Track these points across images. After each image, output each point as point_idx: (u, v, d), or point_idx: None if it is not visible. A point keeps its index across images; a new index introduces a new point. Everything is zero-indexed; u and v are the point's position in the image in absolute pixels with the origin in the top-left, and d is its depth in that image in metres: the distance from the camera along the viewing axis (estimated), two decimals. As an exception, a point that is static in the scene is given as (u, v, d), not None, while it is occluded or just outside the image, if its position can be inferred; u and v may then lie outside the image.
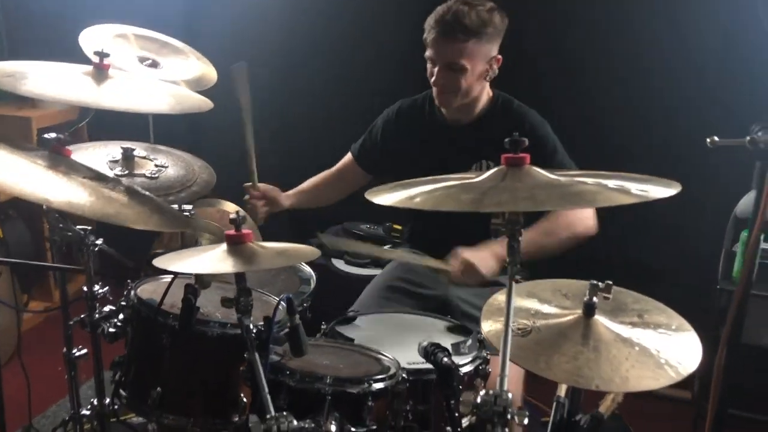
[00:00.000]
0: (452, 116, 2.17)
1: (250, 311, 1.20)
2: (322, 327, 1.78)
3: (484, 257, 1.93)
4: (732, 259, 2.49)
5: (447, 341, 1.76)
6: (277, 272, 2.05)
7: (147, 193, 1.68)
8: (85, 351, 2.08)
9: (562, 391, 1.59)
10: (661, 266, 2.91)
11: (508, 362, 1.06)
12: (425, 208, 1.13)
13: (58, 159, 1.50)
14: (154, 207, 1.57)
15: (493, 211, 2.15)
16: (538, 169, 1.20)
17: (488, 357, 1.70)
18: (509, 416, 1.02)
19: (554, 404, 1.53)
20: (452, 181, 1.26)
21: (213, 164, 2.31)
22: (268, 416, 1.09)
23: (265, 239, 1.96)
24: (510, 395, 1.04)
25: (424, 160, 2.18)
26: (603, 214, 2.88)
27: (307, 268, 2.07)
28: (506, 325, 1.08)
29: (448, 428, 1.61)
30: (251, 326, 1.20)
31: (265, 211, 2.31)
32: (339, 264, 2.93)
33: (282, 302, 1.29)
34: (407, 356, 1.59)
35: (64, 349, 2.09)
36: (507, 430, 1.85)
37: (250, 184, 2.30)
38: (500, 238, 2.09)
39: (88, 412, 2.12)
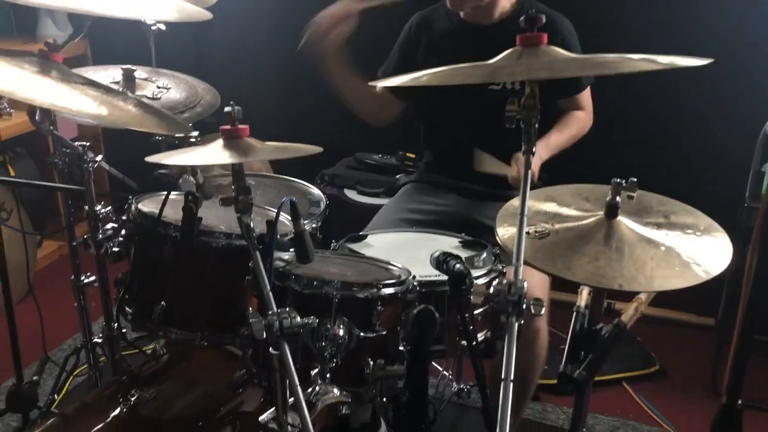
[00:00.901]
0: (471, 19, 2.07)
1: (249, 210, 1.13)
2: (332, 245, 1.72)
3: (537, 163, 1.92)
4: (761, 179, 2.38)
5: (461, 254, 1.70)
6: (286, 194, 1.98)
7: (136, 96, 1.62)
8: (93, 278, 2.06)
9: (582, 300, 1.52)
10: (688, 184, 2.79)
11: (522, 250, 0.99)
12: (434, 83, 1.05)
13: (48, 64, 1.42)
14: (156, 112, 1.50)
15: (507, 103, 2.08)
16: (558, 49, 1.10)
17: (504, 270, 1.63)
18: (524, 306, 0.95)
19: (574, 314, 1.46)
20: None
21: (218, 90, 2.24)
22: (269, 312, 1.04)
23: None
24: (525, 284, 0.97)
25: (443, 64, 2.07)
26: (632, 128, 2.81)
27: (317, 191, 2.00)
28: (522, 202, 1.00)
29: (463, 342, 1.56)
30: (251, 225, 1.14)
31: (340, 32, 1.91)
32: (351, 194, 2.86)
33: (285, 206, 1.21)
34: (419, 271, 1.53)
35: (72, 277, 2.07)
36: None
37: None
38: (543, 140, 2.02)
39: (100, 340, 2.12)
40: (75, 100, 1.34)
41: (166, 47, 2.48)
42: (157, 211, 1.49)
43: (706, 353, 2.63)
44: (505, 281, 0.97)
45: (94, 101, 1.38)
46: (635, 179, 1.32)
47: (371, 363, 1.27)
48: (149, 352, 1.85)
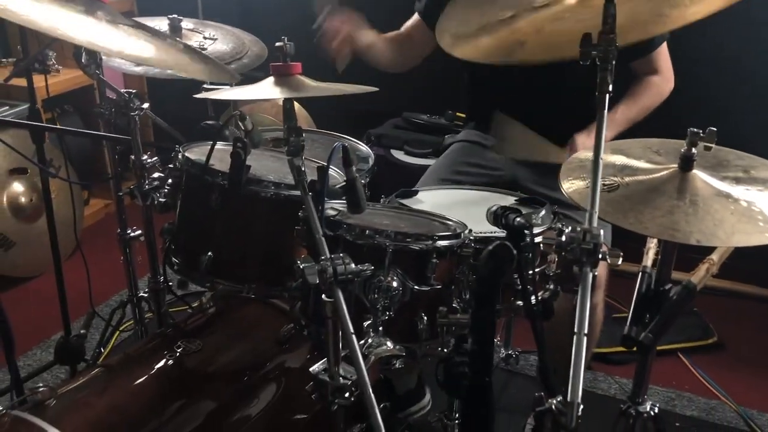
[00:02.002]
0: None
1: (301, 152, 1.08)
2: (382, 199, 1.65)
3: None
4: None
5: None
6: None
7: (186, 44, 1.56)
8: (139, 232, 2.04)
9: (648, 260, 1.44)
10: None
11: (598, 196, 0.91)
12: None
13: (93, 4, 1.37)
14: (202, 59, 1.45)
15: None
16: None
17: (564, 228, 1.54)
18: (600, 255, 0.87)
19: (640, 274, 1.38)
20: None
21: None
22: (322, 257, 0.98)
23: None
24: (602, 231, 0.89)
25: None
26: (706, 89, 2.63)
27: (365, 147, 1.93)
28: (595, 157, 0.92)
29: (519, 302, 1.49)
30: (303, 168, 1.08)
31: (343, 50, 1.88)
32: (398, 154, 2.79)
33: (335, 151, 1.15)
34: (475, 226, 1.46)
35: (118, 230, 2.06)
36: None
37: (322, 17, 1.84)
38: (623, 104, 1.90)
39: (146, 295, 2.11)
40: (120, 42, 1.29)
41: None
42: (203, 159, 1.44)
43: (766, 326, 2.50)
44: (579, 228, 0.89)
45: (140, 43, 1.33)
46: (714, 128, 1.22)
47: (424, 317, 1.21)
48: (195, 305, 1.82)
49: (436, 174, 2.05)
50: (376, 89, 1.13)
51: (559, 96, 2.00)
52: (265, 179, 1.40)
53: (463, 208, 1.67)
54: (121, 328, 2.34)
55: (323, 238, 1.01)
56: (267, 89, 1.07)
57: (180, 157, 1.49)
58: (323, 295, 0.98)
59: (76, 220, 2.23)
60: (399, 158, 2.77)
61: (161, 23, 2.06)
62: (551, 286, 1.53)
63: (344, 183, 1.20)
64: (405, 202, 1.66)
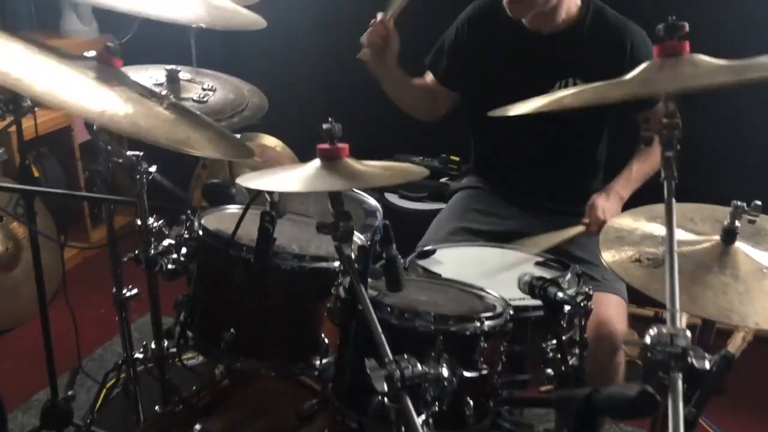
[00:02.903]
0: (532, 25, 1.91)
1: (350, 238, 1.02)
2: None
3: (616, 210, 1.81)
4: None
5: (542, 275, 1.58)
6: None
7: (204, 116, 1.49)
8: (135, 291, 1.94)
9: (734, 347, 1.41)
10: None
11: (678, 293, 0.87)
12: (577, 105, 0.93)
13: (108, 72, 1.30)
14: (217, 132, 1.38)
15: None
16: (702, 56, 0.98)
17: (590, 292, 1.52)
18: (688, 359, 0.84)
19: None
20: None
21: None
22: (386, 359, 0.92)
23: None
24: (689, 333, 0.85)
25: (502, 74, 1.95)
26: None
27: (372, 200, 1.88)
28: (670, 249, 0.89)
29: (548, 370, 1.45)
30: (352, 255, 1.02)
31: (380, 48, 1.89)
32: (392, 198, 2.74)
33: (378, 231, 1.10)
34: (501, 291, 1.42)
35: (114, 290, 1.95)
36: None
37: (386, 14, 1.86)
38: (623, 176, 1.91)
39: (141, 356, 2.00)
40: (128, 116, 1.21)
41: (199, 46, 2.34)
42: (224, 229, 1.37)
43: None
44: (665, 330, 0.85)
45: (162, 121, 1.26)
46: (759, 202, 1.20)
47: (471, 402, 1.16)
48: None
49: (448, 224, 2.01)
50: (427, 172, 1.08)
51: (565, 147, 1.99)
52: (289, 251, 1.34)
53: (483, 268, 1.63)
54: (108, 385, 2.23)
55: (383, 336, 0.95)
56: (317, 178, 1.00)
57: (196, 225, 1.41)
58: (386, 399, 0.92)
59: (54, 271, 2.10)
60: (393, 202, 2.73)
61: (157, 73, 1.98)
62: (578, 351, 1.51)
63: (384, 261, 1.15)
64: (425, 263, 1.61)
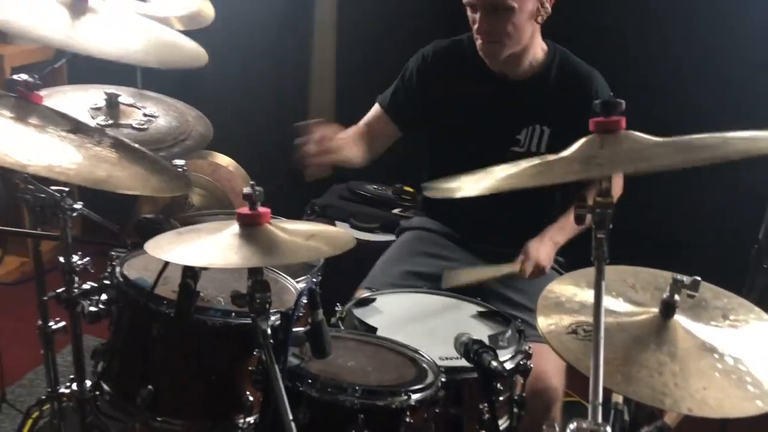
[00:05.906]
0: (499, 68, 1.87)
1: (267, 311, 0.95)
2: (337, 309, 1.54)
3: (550, 254, 1.82)
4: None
5: (481, 330, 1.55)
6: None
7: (140, 147, 1.41)
8: (62, 324, 1.84)
9: (618, 396, 1.38)
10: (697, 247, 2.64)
11: (600, 386, 0.83)
12: (519, 187, 0.89)
13: (27, 107, 1.22)
14: (149, 166, 1.31)
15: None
16: (637, 133, 0.94)
17: (530, 351, 1.48)
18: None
19: (612, 413, 1.32)
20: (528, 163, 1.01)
21: (208, 115, 2.03)
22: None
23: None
24: (609, 429, 0.81)
25: (465, 117, 1.91)
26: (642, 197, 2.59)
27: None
28: (596, 339, 0.85)
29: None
30: (268, 331, 0.95)
31: (323, 162, 1.75)
32: (343, 227, 2.67)
33: (303, 295, 1.04)
34: (438, 349, 1.37)
35: (39, 322, 1.85)
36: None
37: (314, 120, 1.67)
38: (559, 223, 1.89)
39: (67, 390, 1.90)
40: (70, 164, 1.14)
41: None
42: (147, 277, 1.30)
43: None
44: (585, 425, 0.80)
45: (83, 158, 1.18)
46: (699, 278, 1.17)
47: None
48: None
49: (390, 267, 1.95)
50: (353, 243, 1.02)
51: (517, 195, 1.95)
52: (214, 307, 1.27)
53: (423, 321, 1.58)
54: (34, 416, 2.13)
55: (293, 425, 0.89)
56: (231, 250, 0.93)
57: (117, 273, 1.33)
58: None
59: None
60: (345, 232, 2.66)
61: (96, 96, 1.89)
62: (516, 410, 1.47)
63: (309, 327, 1.08)
64: (362, 311, 1.56)
